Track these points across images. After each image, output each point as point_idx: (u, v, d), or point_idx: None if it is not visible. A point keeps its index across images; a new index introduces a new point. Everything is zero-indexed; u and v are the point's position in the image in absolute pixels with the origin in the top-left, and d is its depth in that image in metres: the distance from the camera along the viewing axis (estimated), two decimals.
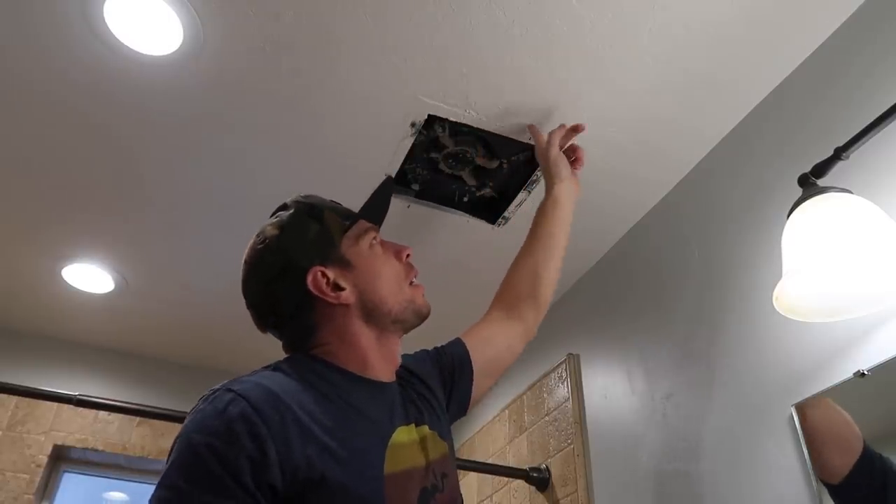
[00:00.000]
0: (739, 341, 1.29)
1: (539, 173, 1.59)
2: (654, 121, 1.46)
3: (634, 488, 1.50)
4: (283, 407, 0.74)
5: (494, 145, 1.55)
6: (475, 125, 1.48)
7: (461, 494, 0.93)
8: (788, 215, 1.01)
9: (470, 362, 1.09)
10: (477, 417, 2.39)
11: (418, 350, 1.10)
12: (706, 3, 1.21)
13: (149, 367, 2.63)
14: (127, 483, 2.60)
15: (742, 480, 1.21)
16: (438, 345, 1.12)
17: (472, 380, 1.09)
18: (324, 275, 0.89)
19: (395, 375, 0.95)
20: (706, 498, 1.29)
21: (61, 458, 2.48)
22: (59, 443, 2.38)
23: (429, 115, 1.46)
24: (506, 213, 1.73)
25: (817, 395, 1.07)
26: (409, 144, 1.54)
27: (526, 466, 1.89)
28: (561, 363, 1.89)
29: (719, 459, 1.27)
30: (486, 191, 1.69)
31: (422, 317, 0.97)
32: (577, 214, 1.36)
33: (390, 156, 1.57)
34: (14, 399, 2.34)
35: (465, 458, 2.23)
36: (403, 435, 0.86)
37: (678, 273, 1.54)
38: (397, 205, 1.68)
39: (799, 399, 1.11)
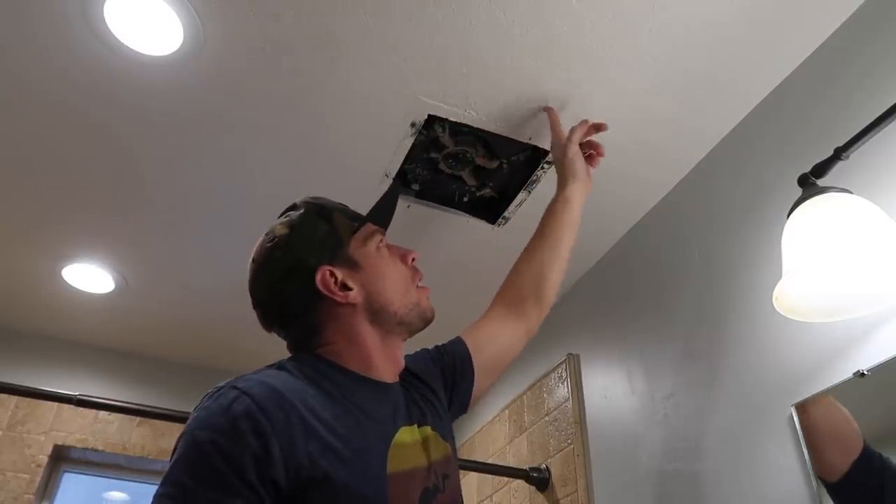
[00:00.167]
0: (739, 341, 1.29)
1: (539, 173, 1.59)
2: (654, 121, 1.46)
3: (634, 488, 1.50)
4: (288, 405, 0.75)
5: (494, 145, 1.55)
6: (475, 125, 1.48)
7: (462, 496, 0.94)
8: (788, 215, 1.01)
9: (471, 361, 1.09)
10: (477, 417, 2.39)
11: (419, 350, 1.10)
12: (706, 3, 1.21)
13: (149, 367, 2.63)
14: (127, 483, 2.60)
15: (742, 480, 1.21)
16: (439, 344, 1.12)
17: (473, 378, 1.09)
18: (332, 274, 0.89)
19: (398, 377, 0.95)
20: (706, 498, 1.29)
21: (61, 458, 2.48)
22: (60, 443, 2.38)
23: (429, 115, 1.46)
24: (506, 213, 1.73)
25: (817, 395, 1.07)
26: (409, 144, 1.54)
27: (526, 466, 1.89)
28: (561, 363, 1.89)
29: (719, 459, 1.27)
30: (486, 191, 1.69)
31: (426, 320, 0.98)
32: None
33: (390, 156, 1.57)
34: (14, 399, 2.34)
35: (465, 458, 2.23)
36: (406, 435, 0.86)
37: (678, 273, 1.54)
38: (398, 205, 1.68)
39: (799, 399, 1.11)
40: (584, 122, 1.37)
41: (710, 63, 1.33)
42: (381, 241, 0.97)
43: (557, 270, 1.23)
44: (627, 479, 1.53)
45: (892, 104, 0.95)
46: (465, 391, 1.08)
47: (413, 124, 1.48)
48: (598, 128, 1.37)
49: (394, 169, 1.61)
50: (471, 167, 1.62)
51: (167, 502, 0.69)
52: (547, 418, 1.91)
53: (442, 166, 1.61)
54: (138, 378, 2.59)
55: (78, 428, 2.42)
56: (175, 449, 0.73)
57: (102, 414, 2.45)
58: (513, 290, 1.21)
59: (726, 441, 1.27)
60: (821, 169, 1.03)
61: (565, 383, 1.85)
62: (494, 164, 1.61)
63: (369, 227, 0.97)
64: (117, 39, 1.30)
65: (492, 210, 1.75)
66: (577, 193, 1.30)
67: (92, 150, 1.60)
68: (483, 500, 2.24)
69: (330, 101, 1.44)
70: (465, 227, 1.80)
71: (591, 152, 1.38)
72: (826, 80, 1.26)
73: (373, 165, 1.60)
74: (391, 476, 0.79)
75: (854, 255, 0.93)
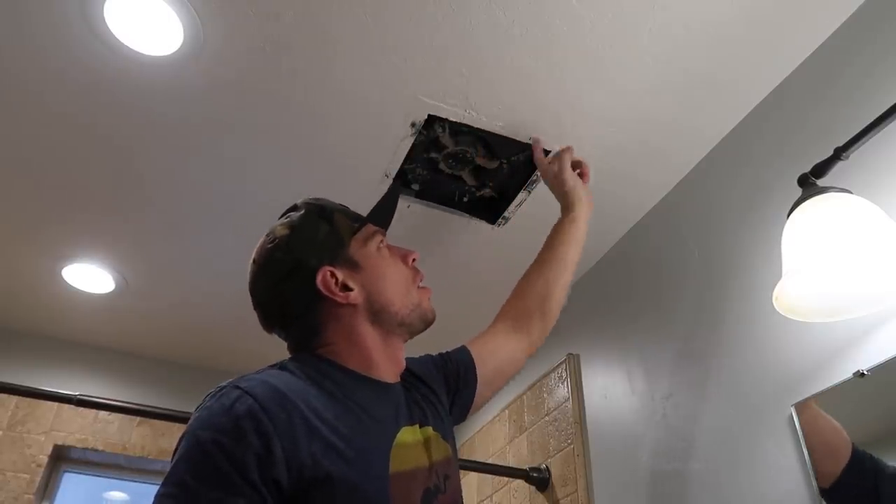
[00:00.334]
0: (739, 341, 1.29)
1: (540, 173, 1.59)
2: (654, 121, 1.46)
3: (634, 488, 1.50)
4: (290, 405, 0.75)
5: (494, 145, 1.55)
6: (475, 125, 1.48)
7: (462, 496, 0.94)
8: (788, 215, 1.01)
9: (475, 369, 1.10)
10: (477, 417, 2.39)
11: (423, 354, 1.10)
12: (706, 3, 1.21)
13: (149, 367, 2.63)
14: (127, 483, 2.60)
15: (742, 480, 1.21)
16: (442, 350, 1.13)
17: (475, 387, 1.10)
18: (333, 275, 0.90)
19: (399, 377, 0.95)
20: (706, 498, 1.29)
21: (61, 458, 2.48)
22: (60, 443, 2.38)
23: (429, 115, 1.46)
24: (506, 213, 1.73)
25: (817, 396, 1.07)
26: (409, 144, 1.54)
27: (526, 466, 1.89)
28: (561, 363, 1.89)
29: (719, 459, 1.27)
30: (486, 191, 1.69)
31: (427, 322, 0.98)
32: None
33: (390, 156, 1.57)
34: (14, 399, 2.34)
35: (465, 457, 2.23)
36: (408, 435, 0.86)
37: (678, 273, 1.54)
38: (398, 205, 1.68)
39: (799, 399, 1.11)
40: (568, 147, 1.42)
41: (710, 63, 1.33)
42: (381, 241, 0.97)
43: (563, 288, 1.25)
44: (627, 479, 1.53)
45: (892, 104, 0.95)
46: (466, 400, 1.09)
47: (413, 124, 1.48)
48: (570, 149, 1.43)
49: (394, 169, 1.61)
50: (471, 167, 1.62)
51: (169, 502, 0.68)
52: (547, 418, 1.91)
53: (442, 166, 1.61)
54: (138, 378, 2.59)
55: (78, 428, 2.42)
56: (177, 448, 0.73)
57: (102, 414, 2.45)
58: (518, 306, 1.22)
59: (726, 441, 1.27)
60: (821, 169, 1.03)
61: (565, 383, 1.85)
62: (494, 164, 1.61)
63: (370, 227, 0.97)
64: (117, 39, 1.30)
65: (492, 210, 1.74)
66: (583, 214, 1.34)
67: (92, 150, 1.60)
68: (483, 500, 2.24)
69: (330, 101, 1.44)
70: (465, 227, 1.80)
71: (579, 171, 1.42)
72: (826, 80, 1.26)
73: (373, 165, 1.60)
74: (393, 476, 0.79)
75: (854, 255, 0.93)
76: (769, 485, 1.14)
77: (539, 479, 1.84)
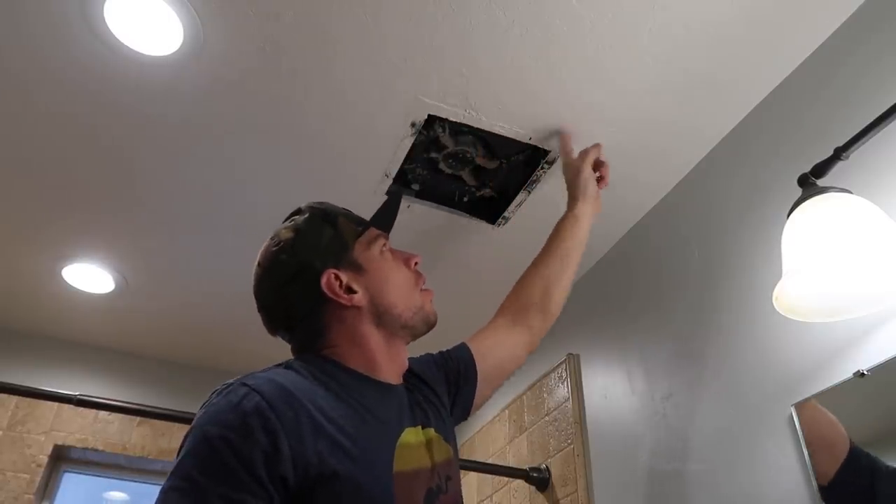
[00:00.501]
0: (739, 341, 1.29)
1: (539, 173, 1.59)
2: (653, 121, 1.46)
3: (634, 488, 1.50)
4: (297, 403, 0.76)
5: (494, 145, 1.55)
6: (475, 125, 1.48)
7: (463, 498, 0.95)
8: (788, 215, 1.01)
9: (475, 366, 1.11)
10: (477, 417, 2.39)
11: (423, 354, 1.10)
12: (706, 3, 1.21)
13: (149, 367, 2.63)
14: (127, 483, 2.59)
15: (742, 480, 1.21)
16: (443, 349, 1.13)
17: (476, 384, 1.10)
18: (337, 277, 0.91)
19: (402, 379, 0.96)
20: (706, 498, 1.29)
21: (61, 458, 2.48)
22: (60, 443, 2.38)
23: (429, 115, 1.46)
24: (506, 213, 1.73)
25: (817, 395, 1.07)
26: (409, 144, 1.54)
27: (526, 466, 1.89)
28: (561, 363, 1.89)
29: (719, 459, 1.27)
30: (486, 191, 1.69)
31: (430, 324, 0.99)
32: None
33: (390, 156, 1.57)
34: (14, 399, 2.34)
35: (465, 457, 2.23)
36: (411, 436, 0.87)
37: (678, 273, 1.54)
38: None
39: (799, 399, 1.11)
40: (598, 145, 1.43)
41: (710, 63, 1.33)
42: (384, 245, 0.99)
43: (564, 286, 1.26)
44: (627, 479, 1.53)
45: (891, 104, 0.95)
46: (467, 398, 1.09)
47: (413, 124, 1.48)
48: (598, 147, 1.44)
49: (394, 169, 1.61)
50: (471, 167, 1.62)
51: (176, 495, 0.69)
52: (547, 418, 1.91)
53: (442, 166, 1.61)
54: (138, 378, 2.59)
55: (78, 428, 2.42)
56: (183, 444, 0.74)
57: (102, 414, 2.45)
58: (519, 301, 1.23)
59: (726, 441, 1.27)
60: (821, 169, 1.03)
61: (565, 383, 1.85)
62: (494, 164, 1.61)
63: (373, 231, 0.98)
64: (117, 39, 1.30)
65: (492, 210, 1.75)
66: (588, 213, 1.35)
67: (92, 150, 1.60)
68: (483, 500, 2.24)
69: (330, 101, 1.44)
70: (465, 227, 1.80)
71: (599, 173, 1.43)
72: (826, 80, 1.26)
73: (373, 165, 1.60)
74: (397, 475, 0.80)
75: (854, 255, 0.93)
76: (769, 485, 1.14)
77: (539, 479, 1.84)
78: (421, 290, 1.00)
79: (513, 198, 1.69)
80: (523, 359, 1.20)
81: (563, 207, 1.40)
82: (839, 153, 1.01)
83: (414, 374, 1.01)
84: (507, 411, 2.18)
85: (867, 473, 0.96)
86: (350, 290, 0.91)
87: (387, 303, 0.93)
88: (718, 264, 1.41)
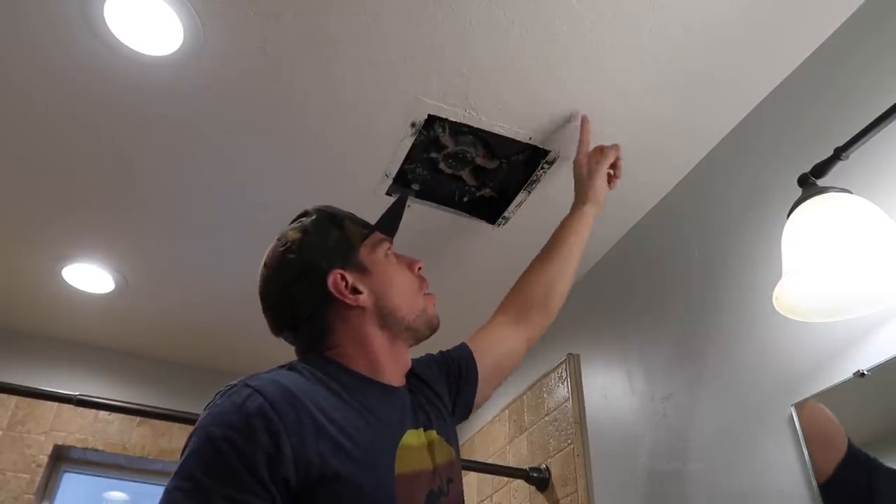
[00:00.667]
0: (739, 341, 1.29)
1: (539, 173, 1.59)
2: (654, 121, 1.46)
3: (634, 488, 1.50)
4: (299, 405, 0.76)
5: (494, 145, 1.55)
6: (475, 125, 1.48)
7: (464, 499, 0.95)
8: (788, 215, 1.01)
9: (475, 365, 1.11)
10: (477, 417, 2.39)
11: (424, 354, 1.11)
12: (706, 3, 1.21)
13: (149, 367, 2.63)
14: (127, 483, 2.59)
15: (742, 480, 1.21)
16: (442, 347, 1.14)
17: (477, 383, 1.11)
18: (343, 278, 0.92)
19: (404, 380, 0.97)
20: (706, 498, 1.29)
21: (61, 458, 2.48)
22: (60, 443, 2.38)
23: (429, 115, 1.46)
24: (506, 213, 1.73)
25: (817, 395, 1.07)
26: (409, 144, 1.54)
27: (526, 466, 1.89)
28: (561, 363, 1.89)
29: (719, 459, 1.27)
30: (486, 191, 1.69)
31: (432, 328, 1.00)
32: None
33: (390, 156, 1.57)
34: (14, 399, 2.34)
35: (465, 457, 2.22)
36: (413, 438, 0.88)
37: (678, 273, 1.54)
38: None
39: (799, 399, 1.11)
40: (616, 146, 1.42)
41: (710, 63, 1.33)
42: (388, 249, 1.00)
43: (566, 284, 1.27)
44: (627, 479, 1.53)
45: (891, 104, 0.95)
46: (468, 395, 1.10)
47: (413, 124, 1.48)
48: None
49: (394, 169, 1.61)
50: (471, 167, 1.62)
51: (180, 495, 0.69)
52: (547, 418, 1.91)
53: (442, 166, 1.61)
54: (138, 378, 2.59)
55: (78, 428, 2.42)
56: (187, 444, 0.74)
57: (102, 414, 2.45)
58: (520, 299, 1.23)
59: (726, 441, 1.27)
60: (821, 169, 1.03)
61: (565, 383, 1.85)
62: (494, 164, 1.61)
63: (377, 235, 0.99)
64: (117, 39, 1.30)
65: (492, 210, 1.75)
66: (592, 213, 1.36)
67: (92, 150, 1.60)
68: (483, 500, 2.24)
69: (330, 101, 1.44)
70: (465, 227, 1.80)
71: (611, 172, 1.43)
72: (826, 80, 1.26)
73: (373, 165, 1.60)
74: (398, 477, 0.80)
75: (854, 255, 0.93)
76: (769, 485, 1.14)
77: (539, 479, 1.84)
78: (424, 293, 1.01)
79: (513, 198, 1.69)
80: (521, 357, 1.21)
81: (564, 207, 1.40)
82: (839, 153, 1.01)
83: (416, 376, 1.01)
84: (507, 411, 2.18)
85: (864, 473, 0.96)
86: (355, 291, 0.92)
87: (391, 305, 0.94)
88: (718, 264, 1.41)
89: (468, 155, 1.58)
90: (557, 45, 1.30)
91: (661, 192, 1.67)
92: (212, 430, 0.72)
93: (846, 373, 1.03)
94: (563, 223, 1.34)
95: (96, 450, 2.42)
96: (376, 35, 1.29)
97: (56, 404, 2.33)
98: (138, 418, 2.45)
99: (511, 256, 1.86)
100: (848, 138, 1.00)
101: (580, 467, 1.68)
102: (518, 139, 1.52)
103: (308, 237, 0.93)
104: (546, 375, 1.96)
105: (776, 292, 0.98)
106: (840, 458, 1.01)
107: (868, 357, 1.00)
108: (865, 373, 0.99)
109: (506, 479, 2.06)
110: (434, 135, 1.52)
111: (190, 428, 0.77)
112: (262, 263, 0.95)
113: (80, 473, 2.53)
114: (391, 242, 1.02)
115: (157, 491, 0.71)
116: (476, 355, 1.12)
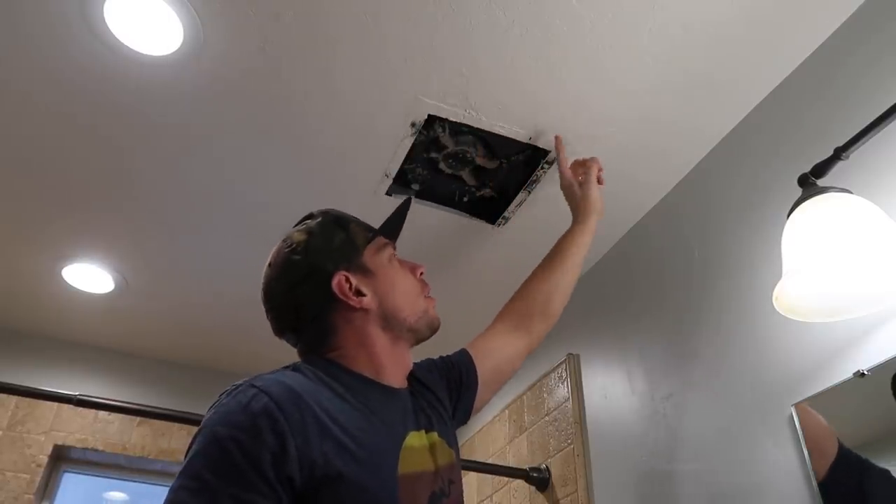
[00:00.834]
0: (739, 341, 1.29)
1: (539, 173, 1.60)
2: (654, 121, 1.46)
3: (634, 488, 1.50)
4: (304, 405, 0.77)
5: (494, 145, 1.55)
6: (475, 125, 1.48)
7: (464, 502, 0.96)
8: (788, 215, 1.01)
9: (476, 371, 1.12)
10: (477, 417, 2.38)
11: (425, 358, 1.12)
12: (706, 3, 1.21)
13: (149, 367, 2.63)
14: (127, 483, 2.59)
15: (742, 480, 1.21)
16: (442, 347, 1.15)
17: (476, 388, 1.12)
18: (347, 280, 0.93)
19: (406, 382, 0.97)
20: (706, 498, 1.29)
21: (61, 458, 2.48)
22: (60, 443, 2.37)
23: (429, 115, 1.46)
24: (506, 213, 1.73)
25: (817, 395, 1.07)
26: (409, 144, 1.54)
27: (526, 466, 1.89)
28: (561, 363, 1.89)
29: (719, 459, 1.27)
30: (486, 191, 1.69)
31: (433, 329, 1.01)
32: None
33: (390, 156, 1.57)
34: (14, 399, 2.34)
35: (465, 458, 2.22)
36: (415, 439, 0.88)
37: (678, 273, 1.54)
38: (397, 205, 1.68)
39: (799, 399, 1.11)
40: (595, 158, 1.44)
41: (710, 63, 1.33)
42: (392, 253, 1.01)
43: (566, 292, 1.28)
44: (627, 479, 1.53)
45: (892, 104, 0.95)
46: (468, 401, 1.11)
47: (413, 124, 1.48)
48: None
49: (394, 169, 1.61)
50: (471, 167, 1.62)
51: (186, 494, 0.70)
52: (547, 418, 1.91)
53: (442, 166, 1.61)
54: (138, 378, 2.59)
55: (78, 428, 2.42)
56: (192, 444, 0.75)
57: (102, 414, 2.45)
58: (521, 306, 1.24)
59: (726, 441, 1.27)
60: (821, 169, 1.03)
61: (565, 383, 1.85)
62: (494, 164, 1.61)
63: (381, 239, 1.01)
64: (117, 39, 1.30)
65: (492, 210, 1.75)
66: (595, 223, 1.37)
67: (91, 150, 1.60)
68: (483, 500, 2.24)
69: (330, 101, 1.44)
70: (465, 227, 1.80)
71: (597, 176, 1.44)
72: (826, 80, 1.26)
73: (373, 165, 1.60)
74: (401, 478, 0.81)
75: (854, 255, 0.93)
76: (769, 485, 1.14)
77: (539, 479, 1.84)
78: (425, 297, 1.02)
79: (513, 198, 1.69)
80: (521, 362, 1.22)
81: (564, 207, 1.41)
82: (839, 153, 1.01)
83: (417, 380, 1.02)
84: (507, 411, 2.18)
85: (856, 473, 0.97)
86: (359, 293, 0.93)
87: (394, 307, 0.95)
88: (718, 264, 1.41)
89: (468, 155, 1.58)
90: (557, 45, 1.30)
91: (661, 192, 1.67)
92: (218, 429, 0.73)
93: (846, 373, 1.03)
94: (566, 235, 1.35)
95: (96, 450, 2.42)
96: (376, 35, 1.29)
97: (56, 404, 2.32)
98: (138, 418, 2.45)
99: (511, 256, 1.86)
100: (848, 138, 1.00)
101: (580, 467, 1.68)
102: (518, 139, 1.52)
103: (313, 239, 0.94)
104: (546, 375, 1.96)
105: (776, 292, 0.98)
106: (830, 461, 1.01)
107: (868, 357, 1.00)
108: (865, 373, 0.99)
109: (506, 479, 2.06)
110: (434, 135, 1.52)
111: (190, 428, 0.77)
112: (267, 264, 0.96)
113: (80, 473, 2.53)
114: (394, 246, 1.03)
115: (157, 491, 0.71)
116: (476, 361, 1.13)
